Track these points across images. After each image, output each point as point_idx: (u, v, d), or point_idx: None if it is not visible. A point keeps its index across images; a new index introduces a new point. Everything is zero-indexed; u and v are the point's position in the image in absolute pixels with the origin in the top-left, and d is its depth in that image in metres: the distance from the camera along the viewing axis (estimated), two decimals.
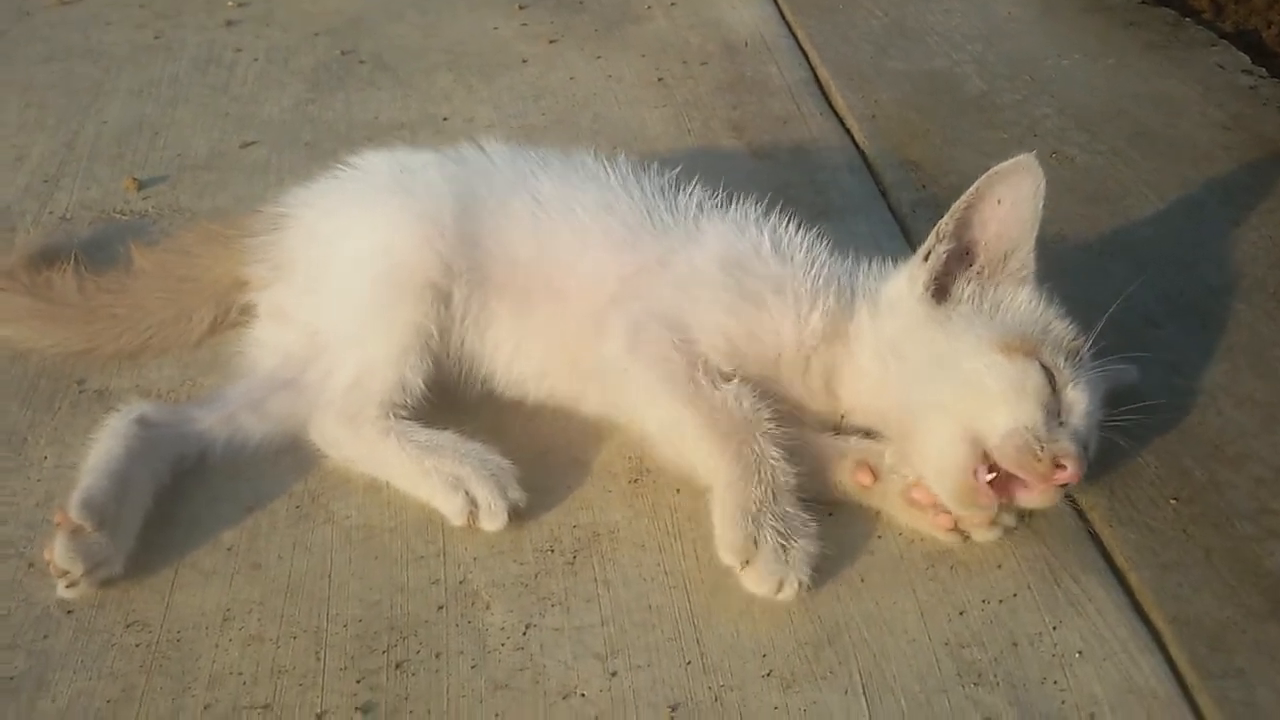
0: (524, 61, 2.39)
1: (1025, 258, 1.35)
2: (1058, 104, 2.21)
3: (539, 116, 2.18)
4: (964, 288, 1.35)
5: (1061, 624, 1.20)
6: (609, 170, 1.52)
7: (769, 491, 1.25)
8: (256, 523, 1.33)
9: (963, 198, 1.32)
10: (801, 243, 1.42)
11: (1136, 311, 1.59)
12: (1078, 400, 1.27)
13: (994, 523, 1.29)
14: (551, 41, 2.48)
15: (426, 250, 1.41)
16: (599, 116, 2.18)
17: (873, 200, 1.92)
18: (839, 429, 1.39)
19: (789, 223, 1.44)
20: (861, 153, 2.06)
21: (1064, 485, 1.23)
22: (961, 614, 1.22)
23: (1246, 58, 2.40)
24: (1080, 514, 1.34)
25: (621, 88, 2.29)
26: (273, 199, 1.61)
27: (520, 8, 2.64)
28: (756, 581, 1.22)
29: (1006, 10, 2.63)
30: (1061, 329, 1.34)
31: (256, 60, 2.40)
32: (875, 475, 1.33)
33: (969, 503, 1.25)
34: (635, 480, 1.38)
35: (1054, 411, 1.25)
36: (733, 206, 1.47)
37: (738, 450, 1.27)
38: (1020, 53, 2.43)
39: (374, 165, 1.53)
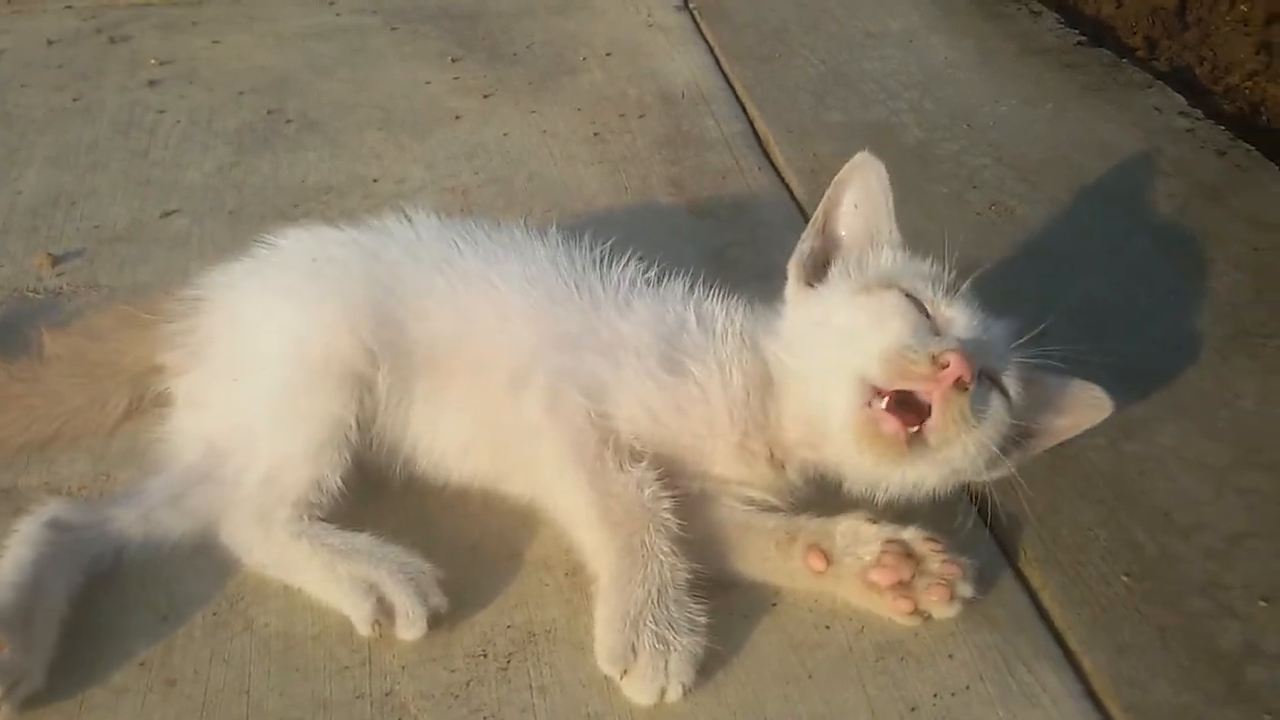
0: (457, 117, 2.34)
1: (889, 235, 1.37)
2: (996, 153, 2.19)
3: (472, 176, 2.13)
4: (836, 267, 1.37)
5: (1016, 718, 1.16)
6: (539, 243, 1.47)
7: (653, 590, 1.19)
8: (172, 633, 1.25)
9: (819, 208, 1.38)
10: (722, 311, 1.39)
11: (1083, 373, 1.56)
12: (956, 315, 1.28)
13: (953, 597, 1.25)
14: (485, 96, 2.43)
15: (347, 338, 1.35)
16: (535, 175, 2.13)
17: None
18: (790, 503, 1.35)
19: (712, 295, 1.41)
20: (801, 209, 2.02)
21: (962, 388, 1.19)
22: (914, 710, 1.17)
23: (1182, 99, 2.40)
24: (1032, 595, 1.30)
25: (557, 143, 2.24)
26: (192, 276, 1.54)
27: (453, 61, 2.59)
28: (637, 691, 1.16)
29: (943, 55, 2.62)
30: (925, 267, 1.35)
31: (179, 122, 2.32)
32: (828, 559, 1.28)
33: (875, 439, 1.21)
34: (572, 573, 1.31)
35: (930, 330, 1.25)
36: (663, 283, 1.43)
37: (627, 542, 1.22)
38: (958, 99, 2.41)
39: (292, 247, 1.47)
